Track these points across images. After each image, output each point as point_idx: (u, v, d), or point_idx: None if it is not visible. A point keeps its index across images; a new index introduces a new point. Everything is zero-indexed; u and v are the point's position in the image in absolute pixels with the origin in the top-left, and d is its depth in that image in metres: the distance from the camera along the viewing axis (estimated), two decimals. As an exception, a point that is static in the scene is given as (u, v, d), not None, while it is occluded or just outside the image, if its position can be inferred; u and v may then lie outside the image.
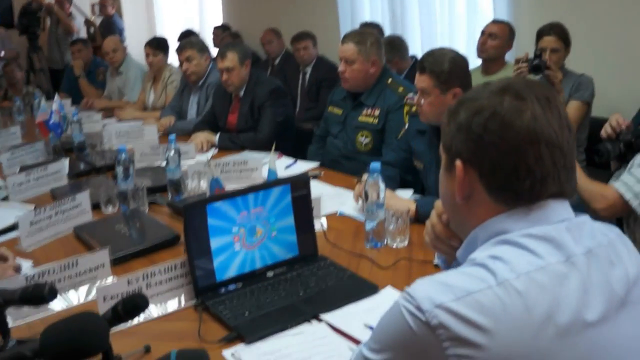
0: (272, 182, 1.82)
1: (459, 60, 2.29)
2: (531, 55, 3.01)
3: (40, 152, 3.39)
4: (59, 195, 2.63)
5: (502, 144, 0.93)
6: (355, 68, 2.93)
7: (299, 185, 1.81)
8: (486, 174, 0.96)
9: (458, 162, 0.99)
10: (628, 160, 2.06)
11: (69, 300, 1.72)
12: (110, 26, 7.23)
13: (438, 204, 1.16)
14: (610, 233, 0.99)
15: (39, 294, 1.34)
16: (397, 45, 4.05)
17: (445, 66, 2.24)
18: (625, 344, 0.89)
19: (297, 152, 3.27)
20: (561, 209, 0.96)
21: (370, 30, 3.25)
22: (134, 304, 1.27)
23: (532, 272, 0.88)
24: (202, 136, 3.49)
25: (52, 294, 1.37)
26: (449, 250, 1.17)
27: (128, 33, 7.73)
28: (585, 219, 0.98)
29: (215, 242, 1.65)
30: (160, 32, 7.74)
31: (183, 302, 1.65)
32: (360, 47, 2.92)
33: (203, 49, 3.97)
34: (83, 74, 5.63)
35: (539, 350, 0.84)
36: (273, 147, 2.39)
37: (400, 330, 0.90)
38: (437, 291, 0.88)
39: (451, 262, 1.23)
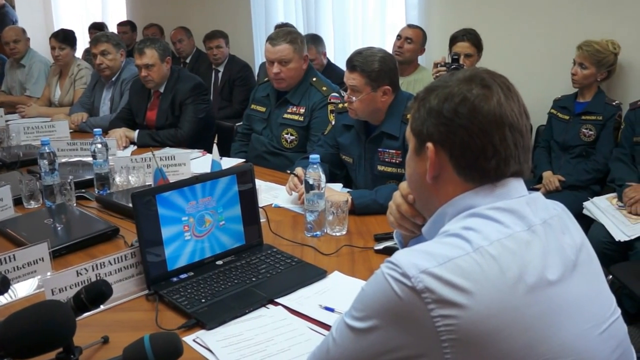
0: (219, 172, 1.84)
1: (388, 59, 2.41)
2: (447, 59, 3.20)
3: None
4: (-30, 191, 2.48)
5: (472, 126, 1.03)
6: (291, 67, 2.96)
7: (244, 176, 1.85)
8: (456, 155, 1.05)
9: (430, 145, 1.07)
10: None
11: (8, 296, 1.64)
12: (2, 17, 6.78)
13: (403, 185, 1.25)
14: (557, 207, 1.13)
15: (-11, 286, 1.29)
16: (321, 40, 4.18)
17: (375, 65, 2.35)
18: (578, 300, 1.02)
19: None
20: (519, 186, 1.08)
21: (293, 28, 3.31)
22: (98, 292, 1.25)
23: (502, 239, 0.98)
24: (121, 132, 3.41)
25: (5, 284, 1.32)
26: (413, 228, 1.26)
27: (22, 25, 7.26)
28: (538, 194, 1.11)
29: (166, 232, 1.65)
30: (58, 26, 7.35)
31: (134, 292, 1.64)
32: (295, 45, 2.96)
33: (119, 43, 3.87)
34: (-26, 67, 5.31)
35: (512, 306, 0.94)
36: (215, 141, 2.39)
37: (386, 297, 0.96)
38: (420, 259, 0.96)
39: (407, 240, 1.33)
